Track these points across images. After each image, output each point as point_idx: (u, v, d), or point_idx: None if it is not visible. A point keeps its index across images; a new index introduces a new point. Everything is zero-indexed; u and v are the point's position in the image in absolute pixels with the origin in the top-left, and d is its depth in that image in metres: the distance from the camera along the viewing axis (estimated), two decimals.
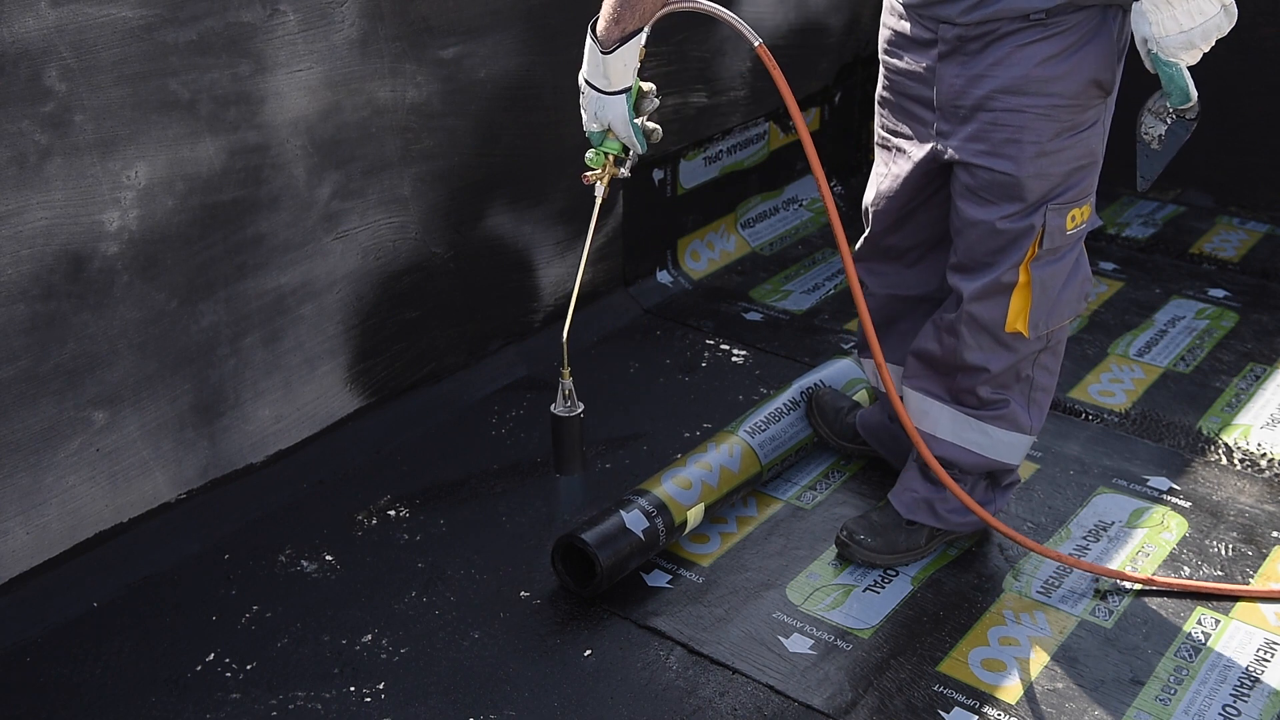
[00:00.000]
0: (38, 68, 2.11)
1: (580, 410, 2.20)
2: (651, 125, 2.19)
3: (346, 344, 2.80)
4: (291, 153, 2.54)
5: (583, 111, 2.17)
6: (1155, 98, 2.09)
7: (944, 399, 2.42)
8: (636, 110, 2.16)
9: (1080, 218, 2.25)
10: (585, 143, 2.18)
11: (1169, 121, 2.09)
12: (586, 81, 2.13)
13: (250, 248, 2.53)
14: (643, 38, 2.09)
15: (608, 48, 2.06)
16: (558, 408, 2.20)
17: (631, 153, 2.20)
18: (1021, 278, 2.25)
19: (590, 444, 2.85)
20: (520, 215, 3.10)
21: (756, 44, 2.09)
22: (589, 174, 2.20)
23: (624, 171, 2.21)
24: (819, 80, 4.00)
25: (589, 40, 2.09)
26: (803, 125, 2.15)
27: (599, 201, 2.21)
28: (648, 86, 2.18)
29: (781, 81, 2.12)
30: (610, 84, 2.10)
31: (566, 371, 2.18)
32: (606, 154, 2.19)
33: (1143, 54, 2.00)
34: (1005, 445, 2.41)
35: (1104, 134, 2.23)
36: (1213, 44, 1.96)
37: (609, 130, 2.16)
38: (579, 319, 3.32)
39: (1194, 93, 2.01)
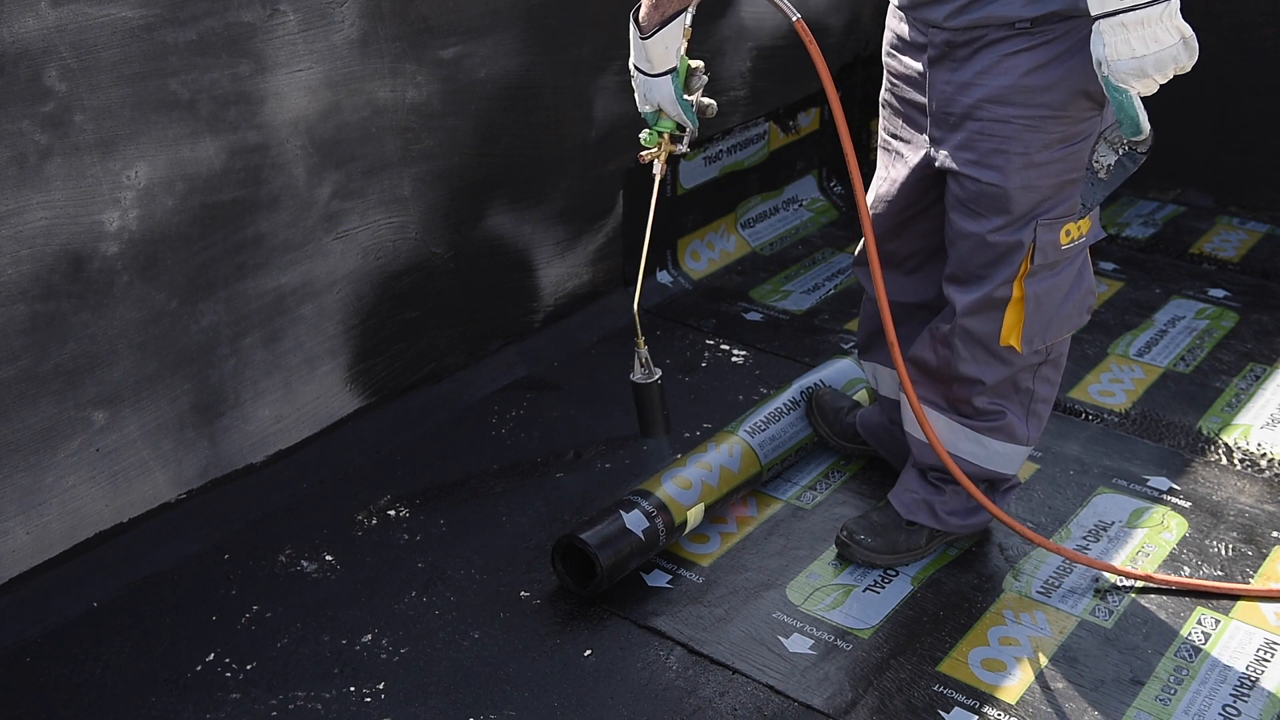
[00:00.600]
0: (38, 68, 2.11)
1: (658, 376, 2.27)
2: (706, 101, 2.29)
3: (346, 344, 2.80)
4: (291, 153, 2.54)
5: (635, 94, 2.26)
6: (1111, 126, 2.02)
7: (940, 407, 2.40)
8: (686, 88, 2.25)
9: (1076, 232, 2.19)
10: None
11: (1120, 152, 2.01)
12: (635, 66, 2.21)
13: (250, 248, 2.53)
14: (687, 18, 2.17)
15: (647, 33, 2.13)
16: (636, 375, 2.26)
17: (688, 130, 2.28)
18: (1015, 293, 2.20)
19: (591, 444, 2.85)
20: (520, 215, 3.10)
21: (795, 19, 2.14)
22: (644, 153, 2.29)
23: (682, 148, 2.33)
24: (819, 80, 3.99)
25: (631, 27, 2.16)
26: (835, 98, 2.18)
27: (658, 179, 2.30)
28: (696, 64, 2.25)
29: (818, 56, 2.16)
30: (654, 67, 2.19)
31: (641, 340, 2.25)
32: (661, 133, 2.29)
33: (1099, 76, 1.90)
34: (1001, 456, 2.40)
35: None
36: (1169, 76, 1.85)
37: (661, 110, 2.25)
38: (579, 319, 3.36)
39: (1146, 125, 1.89)
